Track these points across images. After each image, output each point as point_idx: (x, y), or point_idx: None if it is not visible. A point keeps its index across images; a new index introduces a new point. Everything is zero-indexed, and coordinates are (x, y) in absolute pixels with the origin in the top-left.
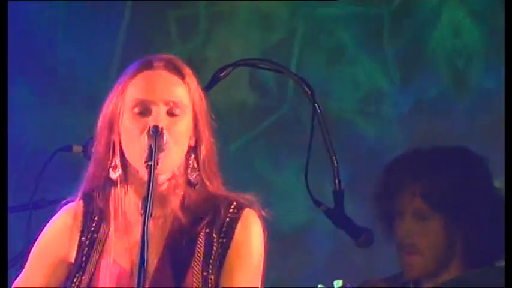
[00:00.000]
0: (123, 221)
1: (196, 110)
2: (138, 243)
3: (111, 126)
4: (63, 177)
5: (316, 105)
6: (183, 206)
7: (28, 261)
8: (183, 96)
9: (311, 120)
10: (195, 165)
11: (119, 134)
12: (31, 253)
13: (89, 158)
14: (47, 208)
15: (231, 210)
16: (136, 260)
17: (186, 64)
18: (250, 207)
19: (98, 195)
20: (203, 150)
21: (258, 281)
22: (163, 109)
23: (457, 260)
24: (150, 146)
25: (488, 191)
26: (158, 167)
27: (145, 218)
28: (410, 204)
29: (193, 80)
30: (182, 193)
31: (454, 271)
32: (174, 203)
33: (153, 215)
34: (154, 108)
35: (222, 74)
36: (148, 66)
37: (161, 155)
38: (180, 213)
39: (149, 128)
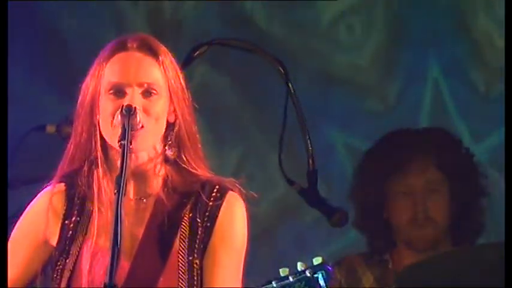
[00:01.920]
0: (106, 203)
1: (172, 88)
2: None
3: (91, 108)
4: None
5: (290, 84)
6: (165, 187)
7: (8, 243)
8: (157, 77)
9: (285, 99)
10: (174, 141)
11: (98, 116)
12: (11, 235)
13: (63, 138)
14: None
15: (213, 194)
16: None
17: (160, 43)
18: (233, 189)
19: (80, 178)
20: (181, 126)
21: (240, 264)
22: (137, 91)
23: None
24: (123, 125)
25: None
26: (136, 146)
27: (118, 196)
28: (422, 178)
29: (168, 59)
30: (163, 173)
31: (445, 245)
32: (156, 184)
33: (133, 196)
34: (128, 90)
35: (196, 53)
36: (122, 47)
37: (139, 134)
38: (162, 195)
39: (122, 107)
